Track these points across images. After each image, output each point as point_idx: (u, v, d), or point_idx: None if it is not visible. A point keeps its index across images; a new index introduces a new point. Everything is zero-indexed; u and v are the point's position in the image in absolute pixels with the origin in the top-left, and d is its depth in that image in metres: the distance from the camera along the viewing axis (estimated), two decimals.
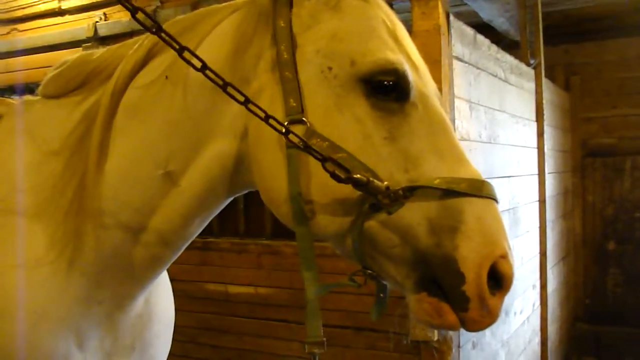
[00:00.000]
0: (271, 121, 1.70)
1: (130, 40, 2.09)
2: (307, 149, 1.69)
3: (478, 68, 4.82)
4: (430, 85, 1.88)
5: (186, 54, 1.66)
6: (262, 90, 1.86)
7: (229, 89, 1.70)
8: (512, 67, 5.80)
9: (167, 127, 1.93)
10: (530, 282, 6.23)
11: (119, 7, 7.03)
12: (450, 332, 4.15)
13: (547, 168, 6.86)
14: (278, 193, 1.82)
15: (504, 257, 1.67)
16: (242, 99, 1.70)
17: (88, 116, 1.99)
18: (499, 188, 1.77)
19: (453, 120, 4.13)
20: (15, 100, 2.24)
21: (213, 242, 5.54)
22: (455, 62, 4.31)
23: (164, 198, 1.95)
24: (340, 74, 1.79)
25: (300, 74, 1.82)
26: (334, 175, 1.66)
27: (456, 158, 1.76)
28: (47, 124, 2.07)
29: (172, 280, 2.45)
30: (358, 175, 1.66)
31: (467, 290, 1.64)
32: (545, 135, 6.76)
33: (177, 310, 2.46)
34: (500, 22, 7.25)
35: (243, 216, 5.73)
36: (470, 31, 4.71)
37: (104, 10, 6.97)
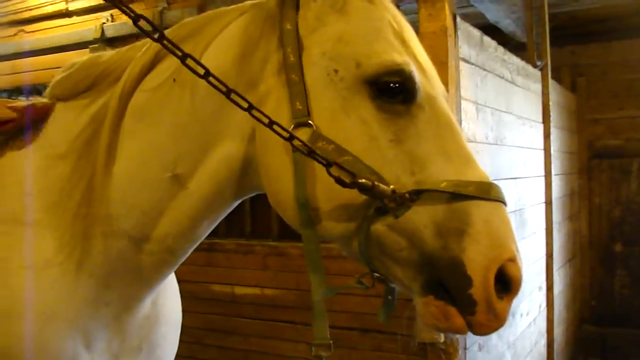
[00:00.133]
0: (275, 127, 1.70)
1: (138, 43, 2.09)
2: (311, 154, 1.69)
3: (485, 69, 4.81)
4: (438, 87, 1.87)
5: (189, 61, 1.65)
6: (269, 93, 1.86)
7: (233, 96, 1.70)
8: (518, 69, 5.79)
9: (175, 130, 1.94)
10: (536, 284, 6.22)
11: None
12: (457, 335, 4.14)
13: (554, 170, 6.85)
14: (285, 196, 1.82)
15: (512, 260, 1.66)
16: (246, 105, 1.70)
17: (96, 119, 2.00)
18: (506, 190, 1.76)
19: (459, 122, 4.12)
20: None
21: (219, 243, 5.55)
22: (462, 64, 4.30)
23: (172, 201, 1.96)
24: (346, 76, 1.79)
25: (307, 77, 1.81)
26: (338, 180, 1.66)
27: (464, 160, 1.75)
28: (55, 127, 2.08)
29: (178, 281, 2.45)
30: (363, 180, 1.65)
31: (474, 294, 1.63)
32: (552, 137, 6.76)
33: (184, 311, 2.46)
34: (507, 24, 7.25)
35: (249, 217, 5.74)
36: (477, 33, 4.71)
37: (111, 11, 6.99)
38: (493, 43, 5.07)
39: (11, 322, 1.90)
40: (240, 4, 2.03)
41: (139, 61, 1.99)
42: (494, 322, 1.66)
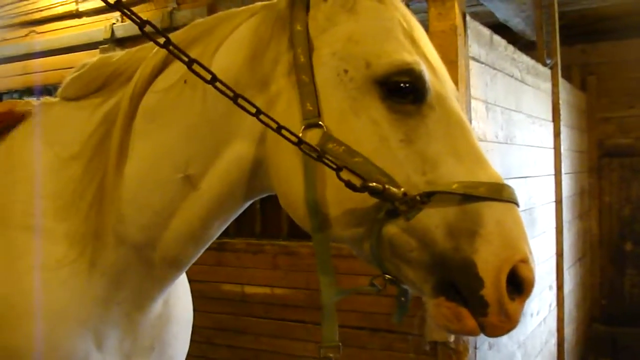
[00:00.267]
0: (284, 132, 1.70)
1: (148, 44, 2.09)
2: (321, 158, 1.68)
3: (494, 68, 4.80)
4: (449, 86, 1.86)
5: (196, 66, 1.65)
6: (280, 94, 1.86)
7: (240, 101, 1.69)
8: (528, 68, 5.78)
9: (186, 131, 1.94)
10: (546, 283, 6.21)
11: (135, 8, 7.02)
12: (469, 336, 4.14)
13: (564, 168, 6.83)
14: (295, 197, 1.82)
15: (525, 261, 1.65)
16: (253, 110, 1.70)
17: (108, 119, 2.00)
18: (516, 189, 1.76)
19: (470, 121, 4.10)
20: (34, 101, 2.26)
21: (229, 242, 5.55)
22: (472, 63, 4.30)
23: (183, 201, 1.96)
24: (355, 76, 1.78)
25: (317, 77, 1.81)
26: (348, 185, 1.65)
27: (475, 160, 1.74)
28: (67, 127, 2.09)
29: (188, 280, 2.46)
30: (373, 184, 1.65)
31: (485, 295, 1.61)
32: (562, 136, 6.73)
33: (194, 310, 2.47)
34: (516, 22, 7.23)
35: (259, 217, 5.75)
36: (486, 31, 4.70)
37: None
38: (503, 42, 5.06)
39: (23, 321, 1.91)
40: (250, 5, 2.03)
41: (150, 62, 1.99)
42: (507, 323, 1.64)
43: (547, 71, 6.59)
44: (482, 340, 4.35)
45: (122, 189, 1.96)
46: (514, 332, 1.68)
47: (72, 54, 7.40)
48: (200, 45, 1.95)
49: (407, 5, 1.96)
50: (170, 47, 1.63)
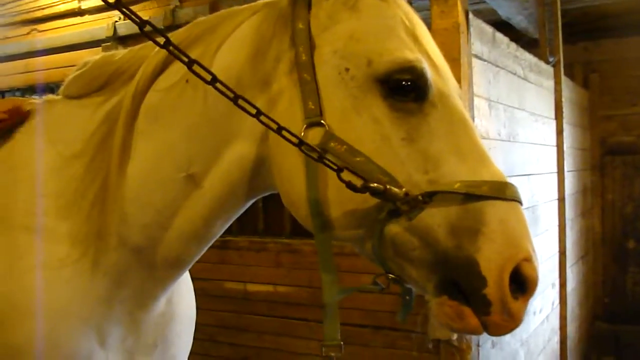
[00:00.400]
0: (284, 133, 1.69)
1: (151, 42, 2.09)
2: (322, 159, 1.68)
3: (497, 66, 4.80)
4: (451, 84, 1.85)
5: (196, 67, 1.64)
6: (281, 92, 1.86)
7: (240, 102, 1.69)
8: (531, 65, 5.77)
9: (188, 131, 1.94)
10: (549, 281, 6.21)
11: (138, 6, 7.07)
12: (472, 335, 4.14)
13: (567, 166, 6.83)
14: (297, 197, 1.82)
15: (528, 260, 1.64)
16: (253, 111, 1.70)
17: (110, 117, 2.00)
18: (518, 186, 1.75)
19: (472, 119, 4.11)
20: (37, 100, 2.26)
21: (232, 240, 5.56)
22: (475, 60, 4.30)
23: (186, 200, 1.96)
24: (357, 74, 1.78)
25: (319, 76, 1.81)
26: (349, 186, 1.64)
27: (478, 158, 1.74)
28: (69, 125, 2.09)
29: (191, 279, 2.46)
30: (374, 184, 1.64)
31: (488, 294, 1.61)
32: (565, 133, 6.73)
33: (196, 308, 2.47)
34: (519, 20, 7.23)
35: (262, 214, 5.75)
36: (489, 29, 4.70)
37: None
38: (505, 39, 5.06)
39: (26, 320, 1.91)
40: (252, 3, 2.03)
41: (152, 61, 1.99)
42: (510, 322, 1.64)
43: (549, 69, 6.59)
44: (485, 338, 4.35)
45: (125, 188, 1.95)
46: (516, 330, 1.68)
47: (74, 52, 7.41)
48: (203, 44, 1.95)
49: (410, 3, 1.95)
50: (170, 48, 1.63)
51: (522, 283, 1.64)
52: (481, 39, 4.47)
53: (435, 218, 1.66)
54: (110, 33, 7.27)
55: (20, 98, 2.29)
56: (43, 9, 7.98)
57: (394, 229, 1.71)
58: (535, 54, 6.11)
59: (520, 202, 1.72)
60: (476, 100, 4.25)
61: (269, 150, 1.88)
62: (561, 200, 6.64)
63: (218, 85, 1.66)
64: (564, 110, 6.72)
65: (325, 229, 1.80)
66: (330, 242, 1.82)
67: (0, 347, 1.92)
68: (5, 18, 8.25)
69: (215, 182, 1.94)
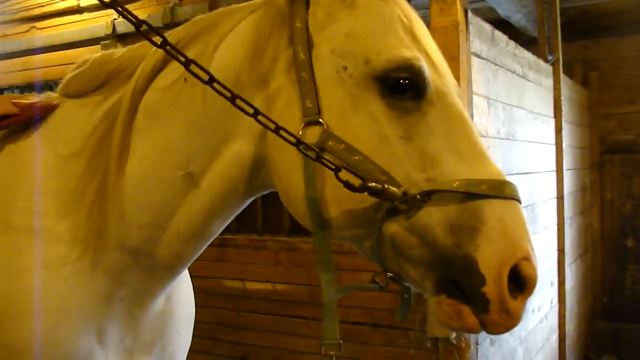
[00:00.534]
0: (282, 132, 1.70)
1: None
2: (320, 159, 1.68)
3: (496, 64, 4.80)
4: (450, 82, 1.84)
5: (193, 67, 1.64)
6: (279, 91, 1.86)
7: (238, 102, 1.69)
8: (530, 64, 5.77)
9: (187, 129, 1.94)
10: (548, 279, 6.21)
11: (137, 4, 7.07)
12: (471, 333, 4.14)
13: (565, 164, 6.83)
14: (295, 195, 1.82)
15: (527, 258, 1.64)
16: (251, 110, 1.69)
17: (109, 116, 2.00)
18: (518, 185, 1.75)
19: (471, 117, 4.11)
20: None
21: (231, 238, 5.56)
22: (474, 59, 4.29)
23: (185, 199, 1.96)
24: (355, 73, 1.78)
25: (316, 74, 1.81)
26: (347, 185, 1.64)
27: (476, 156, 1.74)
28: (69, 124, 2.08)
29: (190, 276, 2.46)
30: (373, 184, 1.64)
31: (487, 292, 1.61)
32: (564, 132, 6.73)
33: (196, 306, 2.47)
34: (518, 18, 7.23)
35: (261, 213, 5.75)
36: (488, 27, 4.70)
37: None
38: (504, 38, 5.06)
39: (26, 318, 1.91)
40: (251, 2, 2.03)
41: (151, 59, 1.99)
42: (508, 321, 1.64)
43: (548, 67, 6.59)
44: (484, 336, 4.35)
45: (124, 187, 1.95)
46: (515, 328, 1.68)
47: (73, 49, 7.42)
48: (201, 43, 1.95)
49: (409, 1, 1.95)
50: (168, 48, 1.63)
51: (520, 282, 1.64)
52: (480, 37, 4.47)
53: (433, 217, 1.66)
54: (109, 31, 7.27)
55: (17, 95, 2.28)
56: (42, 6, 7.98)
57: (393, 227, 1.71)
58: (535, 52, 6.11)
59: (519, 201, 1.72)
60: (475, 99, 4.25)
61: (267, 149, 1.88)
62: (560, 198, 6.65)
63: (215, 85, 1.66)
64: (563, 108, 6.72)
65: (324, 228, 1.80)
66: (329, 241, 1.82)
67: (0, 345, 1.92)
68: (5, 15, 8.25)
69: (214, 180, 1.94)
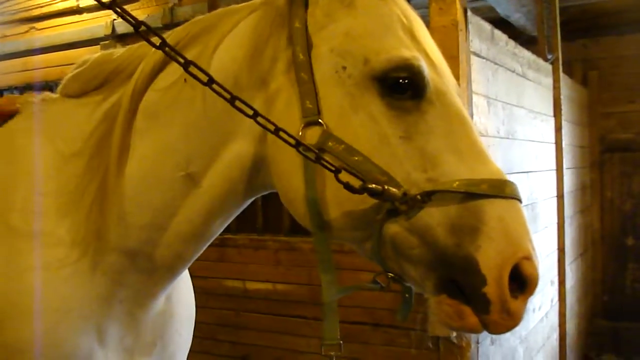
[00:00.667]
0: (282, 134, 1.69)
1: None
2: (319, 160, 1.68)
3: (496, 64, 4.80)
4: (449, 82, 1.84)
5: (192, 68, 1.64)
6: (279, 92, 1.85)
7: (237, 103, 1.69)
8: (529, 63, 5.77)
9: (187, 130, 1.94)
10: (548, 278, 6.21)
11: (136, 4, 7.07)
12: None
13: (565, 163, 6.83)
14: (295, 196, 1.82)
15: (528, 258, 1.63)
16: (250, 112, 1.69)
17: (109, 117, 2.00)
18: (518, 184, 1.75)
19: (471, 116, 4.10)
20: (34, 97, 2.25)
21: (231, 238, 5.55)
22: (473, 58, 4.29)
23: (185, 199, 1.96)
24: (354, 73, 1.77)
25: (316, 75, 1.80)
26: (347, 186, 1.64)
27: (476, 156, 1.73)
28: (68, 124, 2.08)
29: (190, 277, 2.46)
30: (373, 185, 1.64)
31: (488, 293, 1.60)
32: (563, 131, 6.73)
33: (196, 306, 2.47)
34: (518, 18, 7.23)
35: (261, 212, 5.75)
36: (487, 27, 4.70)
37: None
38: (504, 37, 5.06)
39: (27, 319, 1.90)
40: (250, 2, 2.02)
41: (150, 60, 1.98)
42: (509, 321, 1.63)
43: (548, 66, 6.59)
44: (484, 335, 4.35)
45: (124, 187, 1.95)
46: (516, 328, 1.68)
47: (73, 50, 7.42)
48: (201, 44, 1.95)
49: (408, 1, 1.95)
50: (166, 49, 1.63)
51: (522, 281, 1.64)
52: (480, 37, 4.47)
53: (434, 217, 1.66)
54: (109, 31, 7.27)
55: (16, 95, 2.28)
56: (41, 7, 7.98)
57: (393, 228, 1.70)
58: (534, 52, 6.11)
59: (519, 200, 1.71)
60: (475, 98, 4.25)
61: (267, 149, 1.88)
62: (560, 197, 6.65)
63: (215, 86, 1.66)
64: (562, 107, 6.72)
65: (324, 229, 1.80)
66: (329, 242, 1.82)
67: (0, 346, 1.92)
68: (4, 16, 8.25)
69: (214, 181, 1.94)
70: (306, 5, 1.88)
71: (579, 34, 8.72)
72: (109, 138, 1.97)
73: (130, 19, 1.54)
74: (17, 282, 1.92)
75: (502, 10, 6.91)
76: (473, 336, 4.23)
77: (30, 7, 8.06)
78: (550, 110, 6.54)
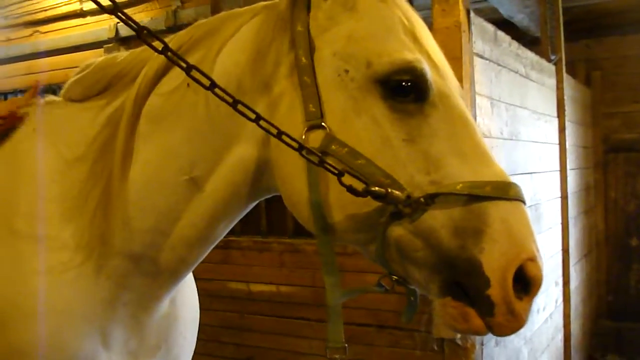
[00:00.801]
0: (284, 137, 1.70)
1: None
2: (322, 164, 1.68)
3: (499, 65, 4.79)
4: (452, 84, 1.84)
5: (194, 73, 1.64)
6: (282, 95, 1.86)
7: (240, 107, 1.69)
8: (533, 64, 5.76)
9: (190, 134, 1.94)
10: (552, 279, 6.20)
11: (139, 7, 7.07)
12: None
13: (569, 164, 6.82)
14: (299, 199, 1.82)
15: (532, 259, 1.63)
16: (253, 116, 1.69)
17: (112, 121, 2.00)
18: (522, 185, 1.75)
19: (474, 118, 4.10)
20: (38, 100, 2.25)
21: (235, 240, 5.55)
22: (476, 59, 4.29)
23: (189, 203, 1.96)
24: (356, 76, 1.77)
25: (319, 78, 1.81)
26: (351, 190, 1.64)
27: (480, 158, 1.73)
28: (72, 129, 2.09)
29: (194, 279, 2.46)
30: (376, 188, 1.64)
31: (492, 295, 1.60)
32: (567, 131, 6.72)
33: (200, 309, 2.47)
34: (521, 18, 7.22)
35: (265, 214, 5.74)
36: (490, 28, 4.69)
37: (125, 10, 7.01)
38: (507, 38, 5.05)
39: (31, 322, 1.91)
40: (253, 6, 2.02)
41: (154, 64, 1.98)
42: (514, 323, 1.63)
43: (551, 67, 6.58)
44: (489, 336, 4.34)
45: (127, 192, 1.95)
46: (521, 330, 1.68)
47: (77, 53, 7.43)
48: (204, 48, 1.95)
49: (410, 2, 1.95)
50: (169, 54, 1.63)
51: (526, 283, 1.64)
52: (483, 38, 4.46)
53: (438, 219, 1.66)
54: (112, 34, 7.29)
55: (20, 98, 2.29)
56: (45, 10, 8.00)
57: (397, 231, 1.71)
58: (537, 52, 6.10)
59: (523, 202, 1.71)
60: (478, 99, 4.25)
61: (271, 153, 1.88)
62: (564, 198, 6.64)
63: (217, 90, 1.66)
64: (566, 108, 6.71)
65: (328, 232, 1.80)
66: (333, 244, 1.82)
67: (4, 348, 1.92)
68: (8, 20, 8.27)
69: (217, 185, 1.94)
70: (308, 9, 1.88)
71: (582, 34, 8.71)
72: (112, 142, 1.97)
73: (133, 24, 1.55)
74: (22, 285, 1.93)
75: (505, 11, 6.90)
76: (477, 338, 4.22)
77: (35, 11, 8.07)
78: (553, 110, 6.53)
